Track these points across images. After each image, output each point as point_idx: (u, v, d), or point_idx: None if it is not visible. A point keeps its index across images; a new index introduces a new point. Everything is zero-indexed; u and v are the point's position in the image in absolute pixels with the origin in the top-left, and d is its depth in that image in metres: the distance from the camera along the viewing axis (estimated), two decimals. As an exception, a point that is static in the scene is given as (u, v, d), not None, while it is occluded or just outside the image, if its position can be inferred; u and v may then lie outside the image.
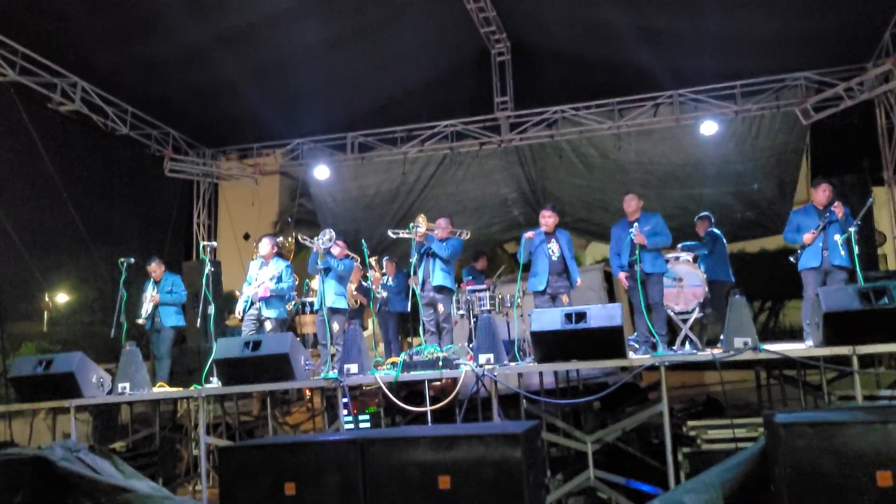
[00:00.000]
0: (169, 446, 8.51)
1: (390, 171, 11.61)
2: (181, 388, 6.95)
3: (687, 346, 6.98)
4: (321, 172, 11.33)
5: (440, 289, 7.41)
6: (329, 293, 7.36)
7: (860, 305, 4.91)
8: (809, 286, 6.63)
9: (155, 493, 5.40)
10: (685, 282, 8.02)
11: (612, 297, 9.97)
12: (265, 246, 7.91)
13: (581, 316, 5.25)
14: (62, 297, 10.51)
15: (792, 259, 6.72)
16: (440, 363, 5.57)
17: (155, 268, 8.37)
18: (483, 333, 5.53)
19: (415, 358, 5.68)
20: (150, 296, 8.21)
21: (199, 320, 6.96)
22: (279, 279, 7.68)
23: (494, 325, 5.61)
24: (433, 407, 5.49)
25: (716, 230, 8.65)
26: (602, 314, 5.25)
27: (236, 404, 9.45)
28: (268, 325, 7.63)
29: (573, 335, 5.22)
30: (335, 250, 7.73)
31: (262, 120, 11.01)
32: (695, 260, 8.22)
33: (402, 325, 9.80)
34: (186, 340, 9.45)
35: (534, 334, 5.34)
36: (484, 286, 8.51)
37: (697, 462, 5.39)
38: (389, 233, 8.26)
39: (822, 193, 6.82)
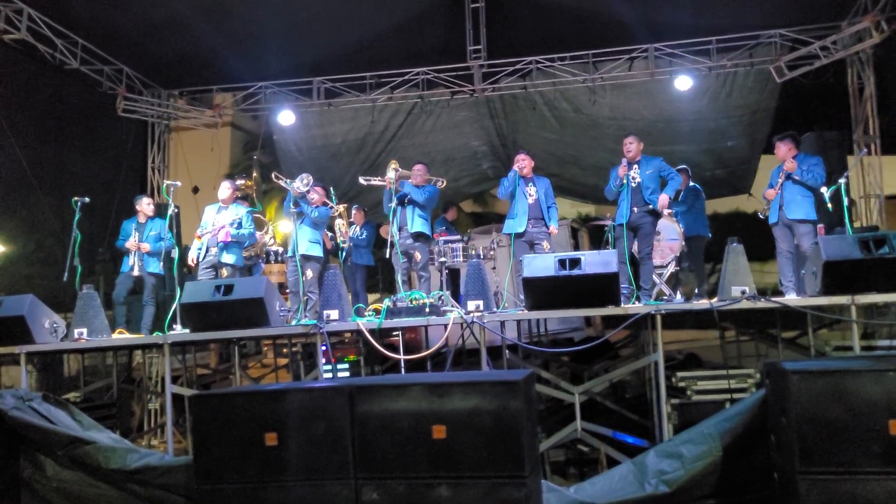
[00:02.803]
0: (124, 400, 8.12)
1: (358, 119, 11.20)
2: (143, 336, 6.55)
3: (678, 296, 6.84)
4: (286, 118, 10.84)
5: (418, 235, 7.14)
6: (303, 240, 7.04)
7: (860, 254, 4.81)
8: (778, 241, 6.64)
9: (117, 445, 5.04)
10: (662, 235, 7.90)
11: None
12: (224, 190, 7.46)
13: (575, 262, 5.03)
14: (5, 244, 9.87)
15: (760, 215, 6.69)
16: (427, 310, 5.30)
17: (145, 206, 7.79)
18: (472, 279, 5.28)
19: (399, 304, 5.40)
20: (134, 243, 7.64)
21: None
22: (239, 224, 7.26)
23: (484, 271, 5.36)
24: (420, 355, 5.23)
25: (697, 185, 8.54)
26: (597, 260, 5.05)
27: (194, 357, 9.07)
28: (224, 273, 7.21)
29: (567, 282, 5.01)
30: (314, 196, 7.39)
31: (223, 60, 10.42)
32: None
33: (371, 279, 9.50)
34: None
35: (526, 280, 5.11)
36: (458, 237, 8.26)
37: (687, 413, 5.30)
38: (361, 180, 7.92)
39: (778, 150, 6.78)
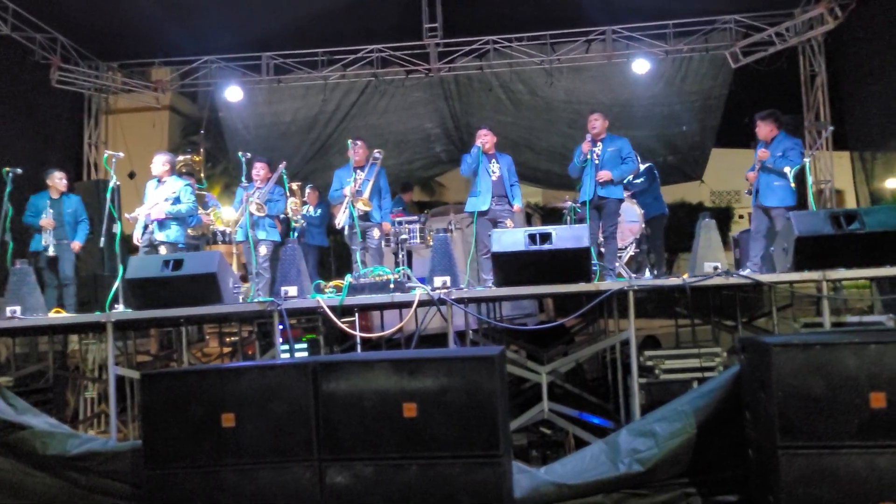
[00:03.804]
0: (59, 388, 7.64)
1: (308, 98, 10.84)
2: (83, 315, 6.12)
3: (647, 274, 6.75)
4: (233, 94, 10.40)
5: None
6: (260, 226, 6.97)
7: (831, 230, 4.78)
8: (753, 221, 6.61)
9: (56, 430, 4.68)
10: (623, 217, 7.78)
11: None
12: (157, 164, 7.02)
13: (546, 237, 4.87)
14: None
15: (746, 193, 6.64)
16: (391, 286, 5.06)
17: (57, 181, 7.34)
18: (439, 254, 5.05)
19: (361, 280, 5.14)
20: (50, 221, 7.21)
21: (102, 240, 6.08)
22: (176, 200, 6.84)
23: (451, 245, 5.15)
24: (382, 333, 4.99)
25: (651, 164, 8.48)
26: (568, 235, 4.90)
27: (134, 342, 8.61)
28: (162, 251, 6.83)
29: (537, 257, 4.84)
30: (261, 173, 7.10)
31: (166, 32, 9.88)
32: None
33: (324, 259, 9.20)
34: (79, 269, 8.45)
35: (495, 256, 4.93)
36: (415, 217, 8.04)
37: (655, 393, 5.21)
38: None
39: (759, 129, 6.71)
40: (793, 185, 6.12)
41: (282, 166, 7.00)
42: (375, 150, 7.20)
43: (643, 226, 7.85)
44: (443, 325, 5.31)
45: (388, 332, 5.18)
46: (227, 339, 10.09)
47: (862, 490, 3.59)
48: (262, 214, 6.98)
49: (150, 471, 3.85)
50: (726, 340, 7.24)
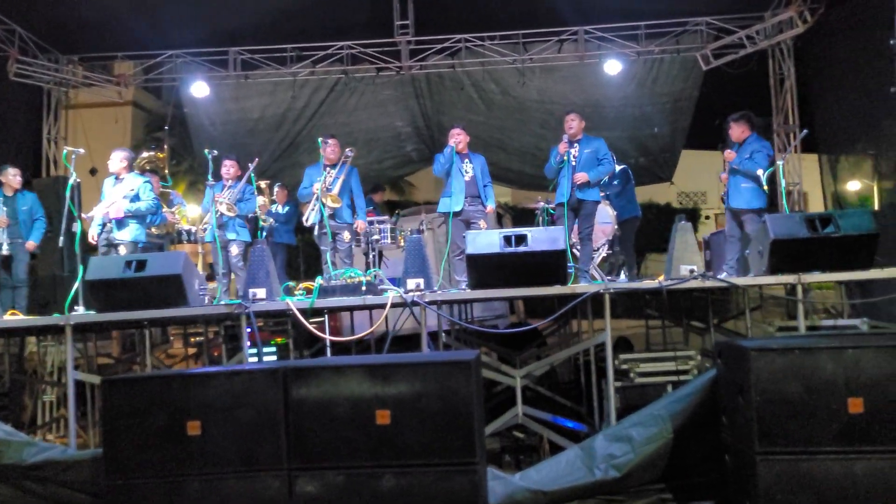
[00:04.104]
0: (15, 392, 7.38)
1: (277, 94, 10.63)
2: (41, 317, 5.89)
3: (623, 275, 6.71)
4: (199, 89, 10.16)
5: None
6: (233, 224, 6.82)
7: (807, 233, 4.77)
8: (727, 223, 6.60)
9: (12, 438, 4.47)
10: (595, 219, 7.76)
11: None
12: (115, 161, 6.73)
13: (521, 238, 4.78)
14: None
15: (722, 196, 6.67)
16: (363, 288, 4.93)
17: (11, 178, 7.09)
18: (412, 256, 4.94)
19: (332, 282, 5.00)
20: (4, 219, 6.97)
21: (61, 239, 5.84)
22: (135, 198, 6.61)
23: (425, 247, 5.04)
24: (356, 336, 4.86)
25: (626, 166, 8.46)
26: (544, 237, 4.82)
27: (95, 345, 8.36)
28: (122, 251, 6.59)
29: (512, 259, 4.76)
30: (231, 170, 6.93)
31: (129, 26, 9.62)
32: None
33: (292, 260, 9.03)
34: (37, 269, 8.20)
35: (469, 257, 4.83)
36: (385, 217, 7.91)
37: (630, 396, 5.16)
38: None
39: (732, 131, 6.71)
40: (765, 187, 6.11)
41: (253, 165, 6.84)
42: (347, 149, 7.07)
43: (616, 227, 7.82)
44: (415, 325, 5.21)
45: (359, 335, 5.05)
46: (192, 340, 9.86)
47: (840, 497, 3.56)
48: (233, 215, 6.80)
49: (111, 480, 3.69)
50: (696, 342, 7.24)
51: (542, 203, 8.32)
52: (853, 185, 9.34)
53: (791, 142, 9.52)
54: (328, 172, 6.81)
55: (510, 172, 11.74)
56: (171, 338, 10.26)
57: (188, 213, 8.73)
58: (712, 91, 10.72)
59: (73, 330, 5.16)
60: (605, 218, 7.80)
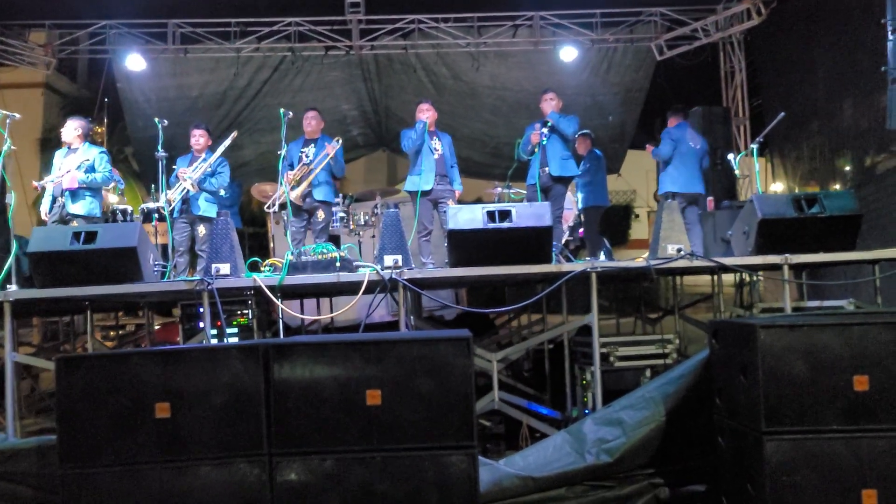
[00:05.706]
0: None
1: (218, 71, 10.11)
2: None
3: (602, 257, 6.61)
4: (135, 62, 9.56)
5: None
6: (200, 200, 6.44)
7: (794, 213, 4.73)
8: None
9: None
10: (558, 203, 7.64)
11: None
12: (69, 130, 6.41)
13: (505, 214, 4.55)
14: None
15: None
16: (337, 264, 4.60)
17: None
18: (389, 231, 4.64)
19: (303, 258, 4.65)
20: None
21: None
22: (91, 168, 6.16)
23: (401, 222, 4.75)
24: (335, 313, 4.53)
25: (598, 151, 8.33)
26: (529, 213, 4.60)
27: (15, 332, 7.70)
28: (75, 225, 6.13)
29: (496, 235, 4.53)
30: (201, 141, 6.51)
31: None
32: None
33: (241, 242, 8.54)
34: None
35: (451, 234, 4.57)
36: (335, 200, 7.56)
37: (609, 381, 5.02)
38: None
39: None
40: (737, 172, 6.12)
41: (231, 136, 6.49)
42: (334, 139, 7.00)
43: (577, 212, 7.72)
44: (380, 314, 4.93)
45: (331, 314, 4.72)
46: (111, 334, 9.33)
47: (845, 476, 3.47)
48: (195, 192, 6.37)
49: (67, 470, 3.28)
50: (648, 333, 7.19)
51: (499, 189, 8.14)
52: (800, 179, 9.52)
53: (742, 134, 9.64)
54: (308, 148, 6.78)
55: (458, 160, 11.49)
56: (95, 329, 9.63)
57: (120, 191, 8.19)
58: (669, 83, 10.74)
59: (11, 308, 4.64)
60: (567, 204, 7.67)
